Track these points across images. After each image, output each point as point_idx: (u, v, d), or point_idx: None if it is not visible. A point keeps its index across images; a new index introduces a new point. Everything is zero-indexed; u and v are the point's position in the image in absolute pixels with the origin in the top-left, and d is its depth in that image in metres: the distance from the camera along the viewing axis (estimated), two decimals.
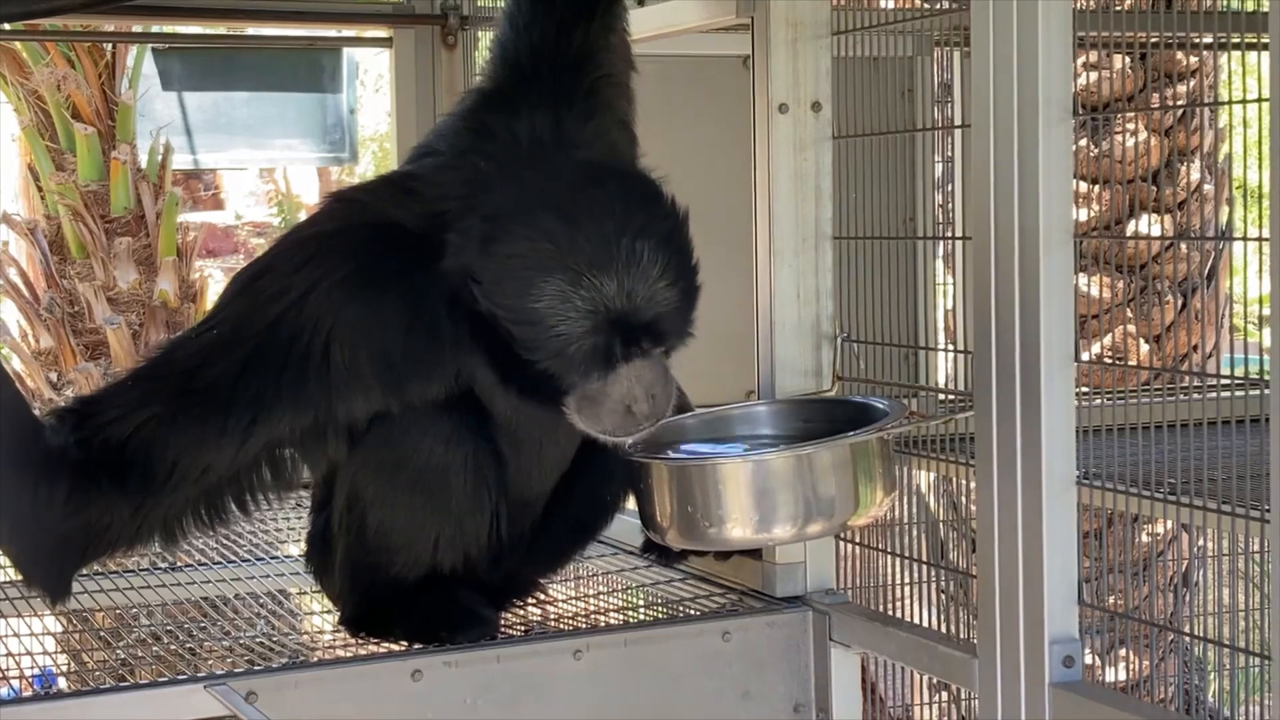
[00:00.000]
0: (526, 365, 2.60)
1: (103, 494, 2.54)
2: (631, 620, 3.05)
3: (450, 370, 2.72)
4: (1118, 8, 4.12)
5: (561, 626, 3.00)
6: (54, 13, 3.65)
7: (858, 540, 3.23)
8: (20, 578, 2.68)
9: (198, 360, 2.61)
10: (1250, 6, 4.51)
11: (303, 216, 3.28)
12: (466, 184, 2.69)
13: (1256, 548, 4.22)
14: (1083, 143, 6.29)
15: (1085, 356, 5.82)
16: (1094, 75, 6.16)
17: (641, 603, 3.24)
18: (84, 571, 2.76)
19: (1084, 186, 6.44)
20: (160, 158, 7.79)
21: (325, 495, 2.92)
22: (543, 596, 3.23)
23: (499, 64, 2.97)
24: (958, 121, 3.99)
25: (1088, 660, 2.60)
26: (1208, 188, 6.78)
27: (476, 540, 2.81)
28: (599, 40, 2.95)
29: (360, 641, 2.86)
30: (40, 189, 7.67)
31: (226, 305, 2.69)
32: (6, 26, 4.92)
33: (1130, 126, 6.46)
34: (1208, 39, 4.17)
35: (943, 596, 4.17)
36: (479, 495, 2.78)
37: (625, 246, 2.55)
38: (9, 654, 3.04)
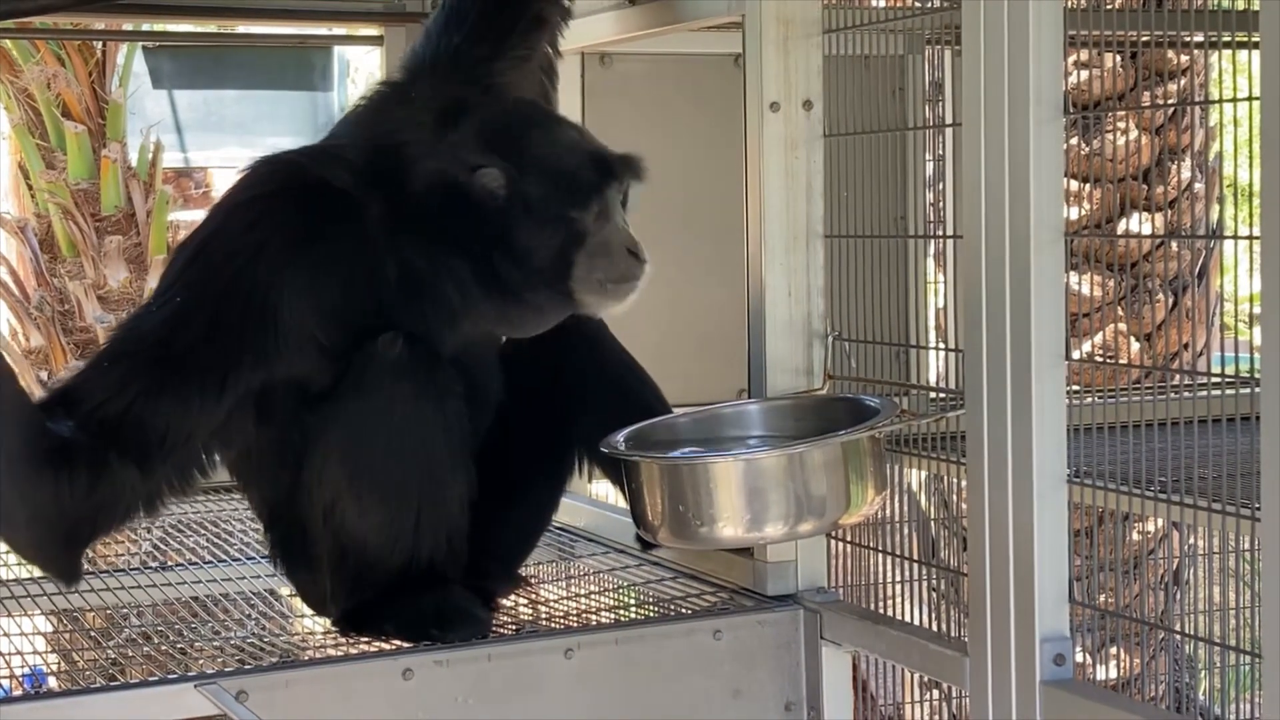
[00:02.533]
0: (512, 243, 2.78)
1: (112, 471, 2.64)
2: (623, 619, 3.05)
3: (396, 314, 2.81)
4: (1108, 6, 4.12)
5: (553, 625, 3.00)
6: (42, 11, 3.63)
7: (849, 539, 3.23)
8: (35, 564, 2.77)
9: (166, 330, 2.71)
10: (1241, 5, 4.52)
11: None
12: (384, 143, 2.87)
13: (1247, 546, 4.22)
14: (1073, 141, 6.29)
15: (1076, 355, 5.82)
16: (1085, 74, 6.16)
17: (633, 601, 3.24)
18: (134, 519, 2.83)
19: (1075, 185, 6.44)
20: (151, 156, 7.78)
21: (279, 505, 2.93)
22: (533, 595, 3.24)
23: (401, 67, 3.16)
24: (949, 120, 3.99)
25: (1079, 658, 2.60)
26: (1198, 186, 6.79)
27: (460, 503, 2.83)
28: (513, 53, 3.13)
29: (351, 640, 2.86)
30: (30, 187, 7.65)
31: (181, 273, 2.79)
32: None
33: (1121, 125, 6.47)
34: (1198, 37, 4.17)
35: (934, 595, 4.17)
36: (454, 449, 2.81)
37: (575, 126, 2.98)
38: None
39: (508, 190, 2.79)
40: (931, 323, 4.16)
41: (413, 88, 3.03)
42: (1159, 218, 6.59)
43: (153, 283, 7.55)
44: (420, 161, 2.83)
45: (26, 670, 2.95)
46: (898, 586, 3.67)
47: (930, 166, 4.21)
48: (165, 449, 2.68)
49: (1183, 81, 6.56)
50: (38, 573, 3.57)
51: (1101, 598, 5.63)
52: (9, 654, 3.02)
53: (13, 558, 3.73)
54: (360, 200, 2.81)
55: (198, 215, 3.00)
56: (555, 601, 3.22)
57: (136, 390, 2.66)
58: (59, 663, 3.18)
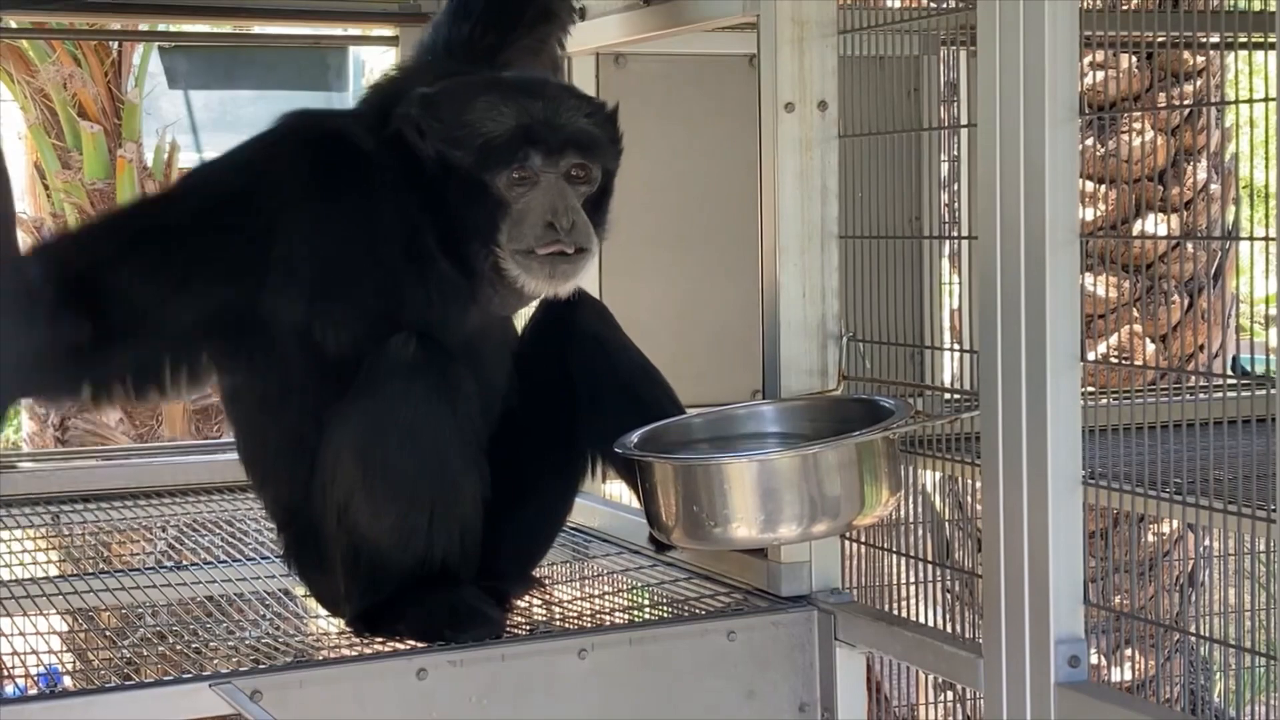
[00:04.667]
0: (462, 211, 2.78)
1: (65, 325, 2.59)
2: (636, 619, 3.05)
3: (389, 285, 2.81)
4: (1124, 7, 4.12)
5: (566, 626, 3.00)
6: (54, 6, 3.65)
7: (863, 540, 3.23)
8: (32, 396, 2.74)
9: (158, 208, 2.78)
10: (1257, 6, 4.51)
11: None
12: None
13: (1263, 548, 4.22)
14: (1089, 142, 6.28)
15: (1091, 356, 5.81)
16: (1100, 74, 6.15)
17: (646, 602, 3.24)
18: (78, 393, 2.77)
19: (1090, 186, 6.44)
20: (166, 155, 7.80)
21: (293, 506, 2.94)
22: (547, 596, 3.24)
23: (412, 56, 3.23)
24: (964, 121, 3.98)
25: (1093, 660, 2.60)
26: (1214, 187, 6.77)
27: (473, 502, 2.83)
28: (520, 43, 3.17)
29: (365, 640, 2.86)
30: (46, 187, 7.68)
31: (192, 174, 2.85)
32: (13, 24, 4.92)
33: (1137, 126, 6.46)
34: (1214, 38, 4.16)
35: (948, 596, 4.16)
36: (467, 447, 2.81)
37: (550, 86, 2.92)
38: (15, 653, 3.05)
39: (435, 155, 2.79)
40: (946, 324, 4.16)
41: (424, 70, 3.06)
42: (1174, 219, 6.58)
43: None
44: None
45: (42, 670, 2.96)
46: (912, 588, 3.67)
47: (945, 167, 4.21)
48: (124, 330, 2.65)
49: (1198, 82, 6.54)
50: (54, 572, 3.60)
51: (1116, 599, 5.62)
52: (25, 653, 3.03)
53: (28, 557, 3.75)
54: (378, 164, 2.82)
55: None
56: (569, 602, 3.22)
57: (111, 250, 2.66)
58: (74, 662, 3.18)
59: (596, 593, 3.30)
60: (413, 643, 2.80)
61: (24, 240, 7.80)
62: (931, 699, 6.05)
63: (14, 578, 3.50)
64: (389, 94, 2.98)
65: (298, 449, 2.88)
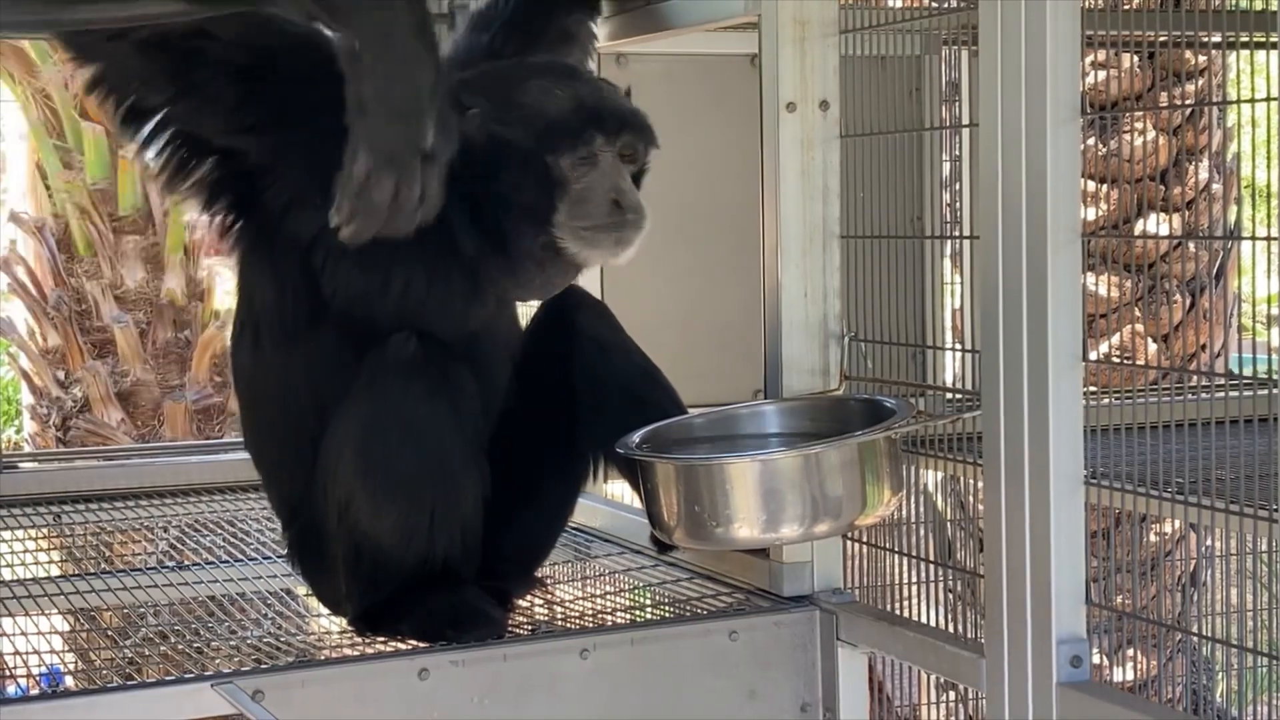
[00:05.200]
0: (509, 191, 2.79)
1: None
2: (638, 619, 3.05)
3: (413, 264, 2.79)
4: (1126, 7, 4.12)
5: (568, 626, 3.00)
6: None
7: (865, 540, 3.23)
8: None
9: None
10: (1259, 5, 4.50)
11: None
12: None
13: (1265, 547, 4.22)
14: (1091, 142, 6.28)
15: (1093, 356, 5.81)
16: (1102, 74, 6.15)
17: (648, 602, 3.24)
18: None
19: (1092, 185, 6.44)
20: None
21: (296, 503, 2.95)
22: (549, 595, 3.24)
23: (465, 32, 3.22)
24: (965, 120, 3.98)
25: (1095, 660, 2.59)
26: (1216, 187, 6.77)
27: (474, 502, 2.83)
28: (562, 28, 3.21)
29: (367, 640, 2.86)
30: (48, 187, 7.67)
31: None
32: None
33: (1138, 125, 6.45)
34: (1216, 38, 4.16)
35: (950, 596, 4.16)
36: (468, 446, 2.81)
37: (585, 71, 3.04)
38: (16, 652, 3.05)
39: (486, 133, 2.80)
40: (948, 323, 4.16)
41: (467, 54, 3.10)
42: (1176, 218, 6.58)
43: (170, 283, 7.57)
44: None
45: (44, 669, 2.96)
46: (914, 588, 3.67)
47: (947, 167, 4.20)
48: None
49: (1200, 82, 6.54)
50: (56, 572, 3.60)
51: (1118, 599, 5.62)
52: (27, 653, 3.03)
53: (30, 557, 3.75)
54: None
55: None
56: (571, 602, 3.22)
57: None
58: (76, 662, 3.18)
59: (598, 592, 3.31)
60: (414, 642, 2.80)
61: (25, 240, 7.77)
62: (933, 699, 6.05)
63: (16, 578, 3.50)
64: None
65: (301, 445, 2.88)
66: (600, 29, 3.48)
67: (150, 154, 2.81)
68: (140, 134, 2.79)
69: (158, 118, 2.77)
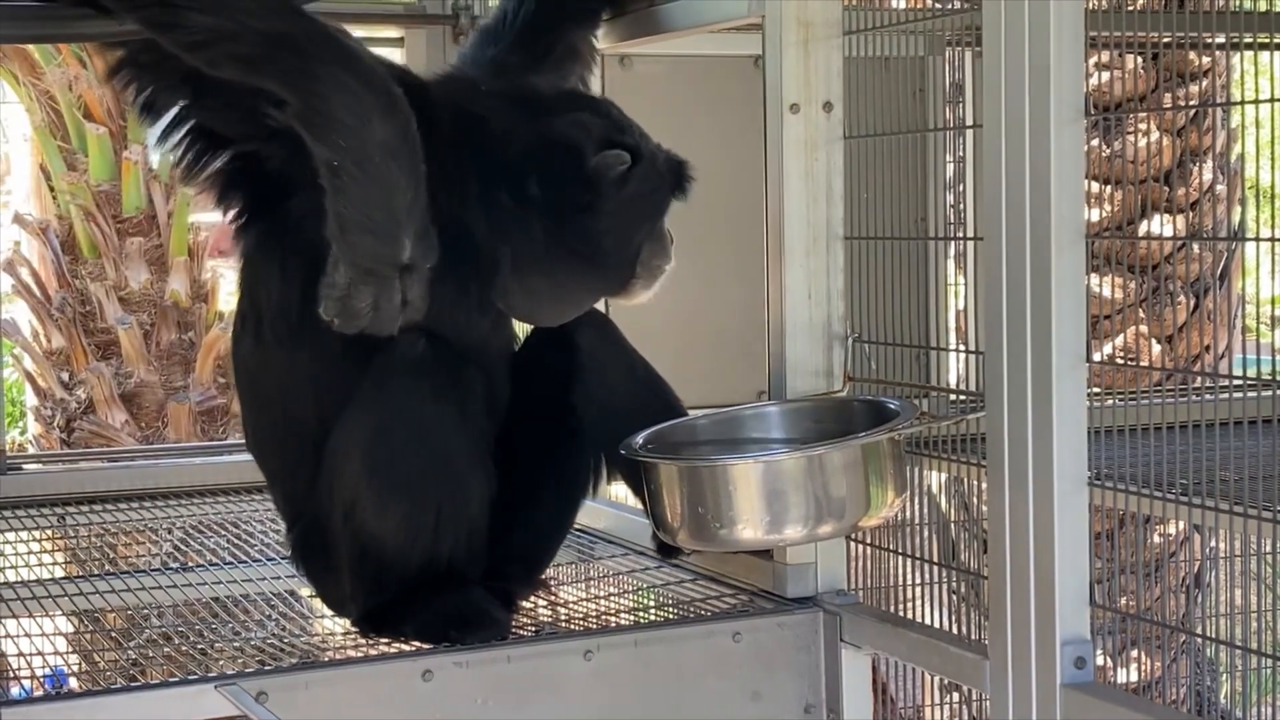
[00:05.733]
0: (609, 231, 2.91)
1: None
2: (642, 621, 3.05)
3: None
4: (1130, 8, 4.11)
5: (572, 627, 3.00)
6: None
7: (869, 541, 3.23)
8: None
9: None
10: (1263, 6, 4.50)
11: None
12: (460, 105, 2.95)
13: (1269, 549, 4.21)
14: (1095, 143, 6.28)
15: (1097, 357, 5.80)
16: (1106, 75, 6.15)
17: (652, 603, 3.24)
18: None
19: (1096, 187, 6.43)
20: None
21: (300, 503, 2.95)
22: (553, 597, 3.24)
23: (475, 44, 3.29)
24: (969, 122, 3.98)
25: (1099, 661, 2.60)
26: (1220, 188, 6.77)
27: (480, 503, 2.83)
28: (546, 75, 3.23)
29: (371, 642, 2.86)
30: (52, 189, 7.67)
31: None
32: None
33: (1142, 127, 6.45)
34: (1220, 39, 4.16)
35: (954, 597, 4.16)
36: (474, 448, 2.82)
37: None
38: (20, 654, 3.04)
39: (622, 174, 2.88)
40: (952, 325, 4.15)
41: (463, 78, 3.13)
42: (1180, 220, 6.57)
43: (174, 284, 7.57)
44: (521, 124, 2.89)
45: (48, 671, 2.96)
46: (917, 589, 3.67)
47: (951, 168, 4.20)
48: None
49: (1204, 83, 6.54)
50: (60, 574, 3.60)
51: (1122, 600, 5.61)
52: (30, 654, 3.03)
53: (34, 559, 3.76)
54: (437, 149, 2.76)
55: (218, 217, 2.98)
56: (574, 603, 3.22)
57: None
58: (80, 663, 3.18)
59: (602, 594, 3.31)
60: (418, 644, 2.80)
61: (29, 242, 7.76)
62: (937, 700, 6.04)
63: (20, 579, 3.50)
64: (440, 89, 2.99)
65: (305, 444, 2.88)
66: (604, 30, 3.48)
67: (168, 145, 2.82)
68: (159, 125, 2.80)
69: (175, 111, 2.78)
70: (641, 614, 3.13)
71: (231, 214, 2.88)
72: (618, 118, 2.98)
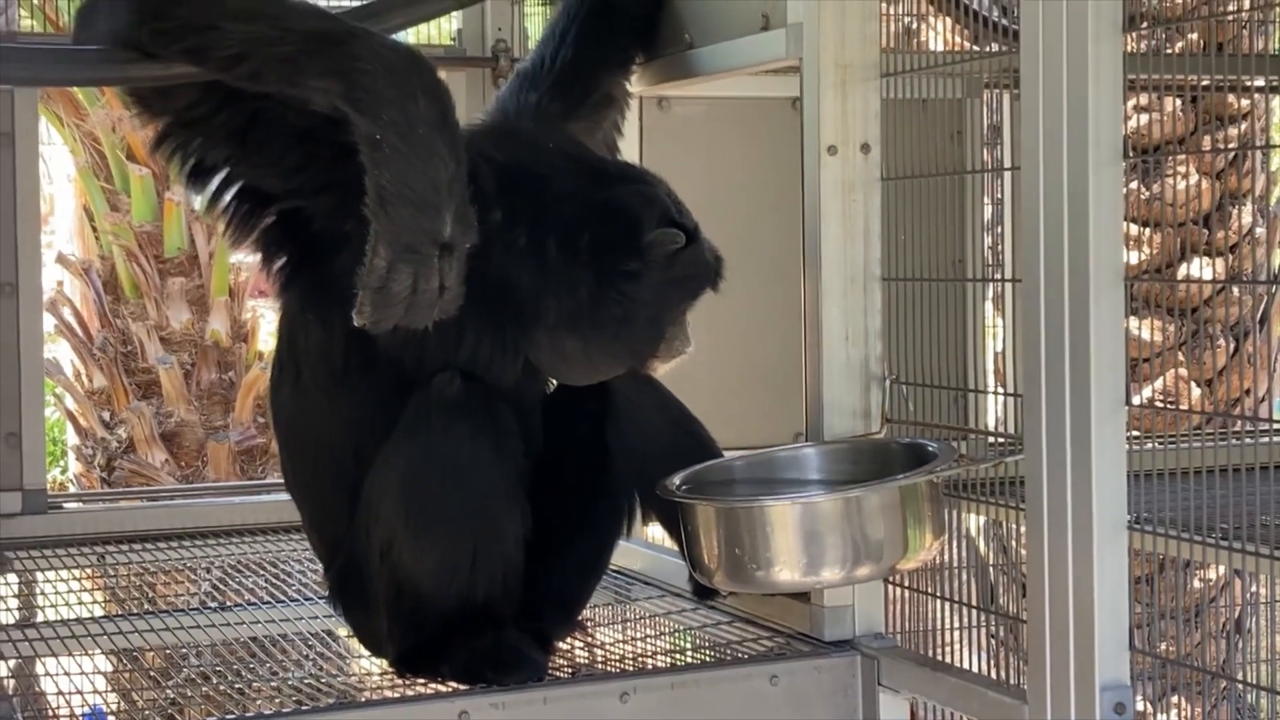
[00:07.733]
0: (643, 309, 2.91)
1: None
2: (679, 663, 3.04)
3: (468, 307, 2.76)
4: (1169, 50, 4.11)
5: (609, 669, 2.99)
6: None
7: (906, 584, 3.21)
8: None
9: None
10: None
11: None
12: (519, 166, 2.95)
13: None
14: (1133, 185, 6.26)
15: (1136, 400, 5.77)
16: (1145, 118, 6.14)
17: (689, 645, 3.23)
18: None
19: (1135, 229, 6.41)
20: None
21: (337, 544, 2.96)
22: (589, 638, 3.23)
23: (513, 90, 3.31)
24: (1007, 164, 3.98)
25: (1139, 707, 2.58)
26: (1259, 231, 6.74)
27: (516, 543, 2.83)
28: (581, 120, 3.30)
29: (408, 682, 2.86)
30: (95, 229, 7.73)
31: None
32: None
33: (1181, 169, 6.43)
34: (1260, 82, 4.15)
35: (992, 641, 4.14)
36: (510, 487, 2.82)
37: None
38: (59, 692, 3.05)
39: (673, 253, 2.89)
40: (990, 367, 4.14)
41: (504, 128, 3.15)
42: (1220, 262, 6.55)
43: (215, 324, 7.62)
44: (584, 187, 2.90)
45: (87, 709, 2.97)
46: (956, 633, 3.64)
47: (989, 210, 4.20)
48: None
49: (1244, 126, 6.52)
50: (99, 612, 3.61)
51: (1162, 646, 5.57)
52: (69, 693, 3.04)
53: (74, 598, 3.77)
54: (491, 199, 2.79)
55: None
56: (611, 645, 3.21)
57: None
58: (119, 702, 3.19)
59: (638, 635, 3.30)
60: (455, 684, 2.80)
61: (71, 282, 7.81)
62: None
63: (60, 618, 3.52)
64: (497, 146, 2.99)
65: (343, 486, 2.89)
66: (642, 73, 3.50)
67: (217, 210, 2.85)
68: (206, 190, 2.83)
69: (222, 175, 2.81)
70: (678, 656, 3.12)
71: (275, 269, 2.90)
72: (676, 199, 2.99)
